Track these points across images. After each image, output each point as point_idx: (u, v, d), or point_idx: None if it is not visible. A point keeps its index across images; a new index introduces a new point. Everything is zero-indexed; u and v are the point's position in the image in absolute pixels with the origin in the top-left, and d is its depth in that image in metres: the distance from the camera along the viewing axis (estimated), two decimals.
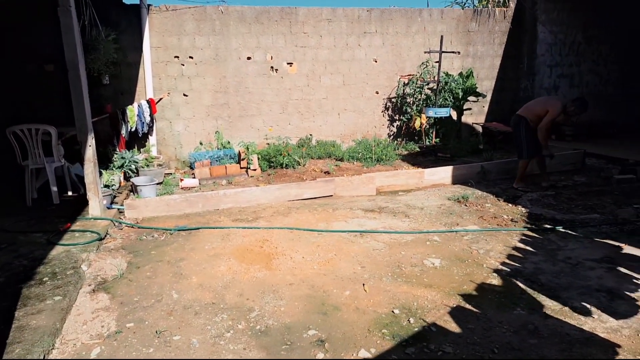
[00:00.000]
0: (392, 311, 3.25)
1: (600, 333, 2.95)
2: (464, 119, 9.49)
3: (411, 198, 6.21)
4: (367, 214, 5.50)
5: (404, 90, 9.26)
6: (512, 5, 9.74)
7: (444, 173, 6.90)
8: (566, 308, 3.27)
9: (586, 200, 5.90)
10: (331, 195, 6.31)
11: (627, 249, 4.32)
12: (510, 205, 5.85)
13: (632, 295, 3.43)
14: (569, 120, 6.07)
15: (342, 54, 8.94)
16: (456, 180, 6.90)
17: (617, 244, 4.43)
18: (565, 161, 7.55)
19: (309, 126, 9.04)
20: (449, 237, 4.71)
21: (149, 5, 7.79)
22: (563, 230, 4.83)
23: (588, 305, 3.30)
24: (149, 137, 8.09)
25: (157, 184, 6.64)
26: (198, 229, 5.09)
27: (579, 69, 10.35)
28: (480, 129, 9.63)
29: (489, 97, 9.97)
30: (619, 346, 2.82)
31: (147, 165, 7.19)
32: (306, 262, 4.14)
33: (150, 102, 7.81)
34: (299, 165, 7.86)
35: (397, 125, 9.51)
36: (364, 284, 3.68)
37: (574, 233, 4.75)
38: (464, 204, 5.85)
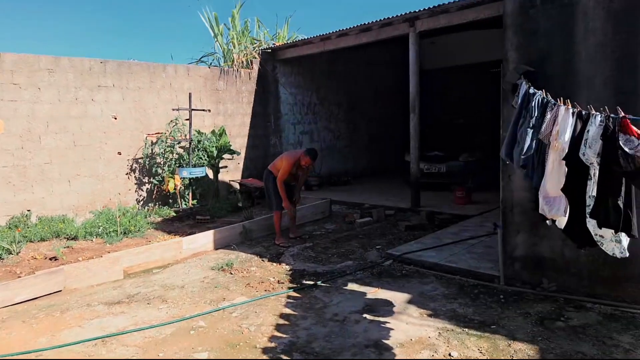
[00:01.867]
0: None
1: None
2: (220, 177, 9.22)
3: (169, 275, 5.34)
4: (112, 309, 4.34)
5: (152, 149, 8.42)
6: (256, 67, 10.23)
7: (205, 239, 6.32)
8: None
9: (339, 248, 6.22)
10: (60, 291, 4.80)
11: (381, 293, 4.54)
12: (275, 264, 5.66)
13: (392, 344, 3.48)
14: (306, 169, 6.53)
15: (70, 109, 7.55)
16: (219, 244, 6.40)
17: (372, 289, 4.64)
18: (316, 210, 8.01)
19: (26, 199, 7.15)
20: (216, 318, 4.07)
21: None
22: (325, 285, 4.83)
23: None
24: None
25: None
26: None
27: (316, 126, 11.53)
28: (237, 186, 9.53)
29: (243, 154, 10.03)
30: None
31: None
32: None
33: None
34: (10, 254, 5.96)
35: (148, 188, 8.53)
36: None
37: (335, 285, 4.80)
38: (229, 272, 5.35)
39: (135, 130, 8.37)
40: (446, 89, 14.41)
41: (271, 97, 10.55)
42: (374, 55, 12.74)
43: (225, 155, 9.07)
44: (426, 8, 7.39)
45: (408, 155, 10.12)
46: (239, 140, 9.96)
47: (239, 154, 9.47)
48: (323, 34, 9.07)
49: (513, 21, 4.45)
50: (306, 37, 9.50)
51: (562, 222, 3.08)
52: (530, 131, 3.60)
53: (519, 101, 4.08)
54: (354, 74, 12.32)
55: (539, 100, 3.64)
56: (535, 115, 3.60)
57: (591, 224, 2.74)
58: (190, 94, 8.28)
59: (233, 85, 9.87)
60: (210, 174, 8.96)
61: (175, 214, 8.05)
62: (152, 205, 8.42)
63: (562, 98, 3.27)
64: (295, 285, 4.84)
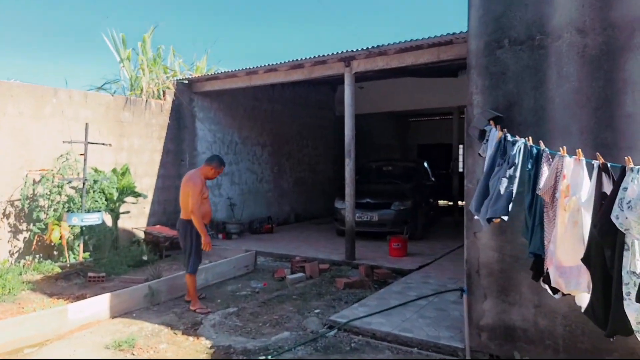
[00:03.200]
0: None
1: None
2: (121, 223, 7.77)
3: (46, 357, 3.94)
4: None
5: (34, 190, 6.83)
6: (170, 98, 9.10)
7: (98, 304, 4.95)
8: None
9: (271, 313, 5.22)
10: None
11: None
12: (191, 339, 4.50)
13: None
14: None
15: None
16: (117, 311, 5.06)
17: None
18: (238, 265, 6.96)
19: None
20: None
21: None
22: None
23: None
24: None
25: None
26: None
27: (238, 167, 10.54)
28: (142, 234, 8.11)
29: (150, 197, 8.66)
30: None
31: None
32: None
33: None
34: None
35: (26, 238, 6.84)
36: None
37: None
38: (130, 353, 4.11)
39: (13, 165, 6.75)
40: (373, 134, 14.35)
41: (187, 133, 9.42)
42: (301, 94, 12.25)
43: (128, 199, 7.69)
44: (363, 48, 6.99)
45: (339, 202, 9.52)
46: (146, 181, 8.61)
47: (145, 196, 8.12)
48: (249, 68, 8.30)
49: (478, 62, 4.05)
50: (230, 70, 8.64)
51: (582, 299, 2.48)
52: (505, 181, 3.06)
53: (491, 150, 3.58)
54: (279, 113, 11.65)
55: (521, 149, 3.14)
56: (517, 164, 3.08)
57: (634, 309, 2.14)
58: (87, 124, 6.93)
59: (141, 117, 8.61)
60: (109, 221, 7.49)
61: (60, 270, 6.44)
62: (31, 259, 6.71)
63: (564, 148, 2.77)
64: None
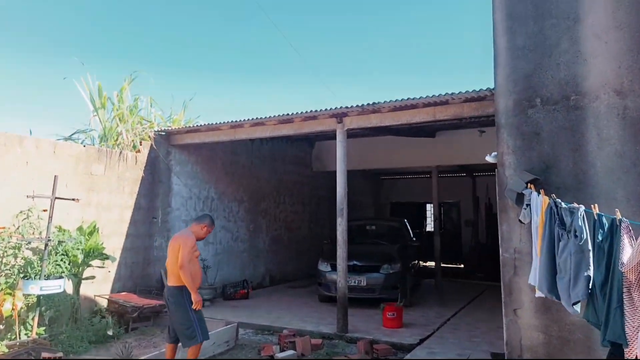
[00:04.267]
0: None
1: None
2: (82, 290, 6.83)
3: None
4: None
5: None
6: (145, 151, 8.47)
7: None
8: None
9: None
10: None
11: None
12: None
13: None
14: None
15: None
16: None
17: None
18: (217, 341, 6.07)
19: None
20: None
21: None
22: None
23: None
24: None
25: None
26: None
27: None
28: (105, 303, 7.16)
29: (117, 259, 7.77)
30: None
31: None
32: None
33: None
34: None
35: None
36: None
37: None
38: None
39: None
40: (348, 192, 14.02)
41: (161, 188, 8.73)
42: (279, 149, 11.89)
43: (94, 262, 6.82)
44: (356, 105, 6.76)
45: (322, 264, 8.94)
46: (114, 240, 7.76)
47: (114, 259, 7.26)
48: (234, 121, 7.88)
49: (508, 121, 3.80)
50: (213, 123, 8.18)
51: None
52: (578, 256, 2.68)
53: (536, 216, 3.23)
54: (257, 168, 11.17)
55: (584, 217, 2.80)
56: (585, 237, 2.72)
57: None
58: (56, 176, 6.19)
59: (114, 170, 7.91)
60: (69, 287, 6.56)
61: (7, 350, 5.41)
62: None
63: None
64: None
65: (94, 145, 8.39)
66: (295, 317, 7.65)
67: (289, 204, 12.34)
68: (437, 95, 6.20)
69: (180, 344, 4.70)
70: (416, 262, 10.59)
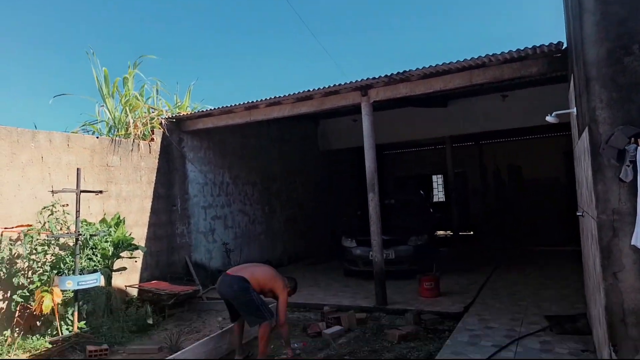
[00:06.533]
0: None
1: None
2: (114, 281, 6.69)
3: None
4: None
5: (12, 251, 5.70)
6: (158, 139, 8.23)
7: None
8: None
9: None
10: None
11: None
12: None
13: None
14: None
15: None
16: None
17: None
18: None
19: None
20: None
21: None
22: None
23: None
24: None
25: None
26: None
27: (230, 209, 9.68)
28: (136, 292, 7.04)
29: (146, 249, 7.61)
30: None
31: None
32: None
33: None
34: None
35: (3, 309, 5.65)
36: None
37: None
38: None
39: None
40: (356, 169, 13.91)
41: (177, 176, 8.53)
42: (287, 131, 11.69)
43: (124, 254, 6.66)
44: (384, 75, 6.56)
45: (347, 240, 8.90)
46: (137, 231, 7.58)
47: (144, 249, 7.11)
48: (248, 102, 7.65)
49: (600, 72, 3.57)
50: (226, 106, 7.93)
51: None
52: None
53: None
54: (267, 151, 10.98)
55: None
56: None
57: None
58: (79, 169, 5.97)
59: (129, 160, 7.68)
60: (101, 281, 6.42)
61: (51, 346, 5.28)
62: (12, 334, 5.50)
63: None
64: None
65: (106, 135, 8.12)
66: (328, 293, 7.63)
67: (300, 184, 12.22)
68: (474, 57, 5.97)
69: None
70: (436, 232, 10.62)
